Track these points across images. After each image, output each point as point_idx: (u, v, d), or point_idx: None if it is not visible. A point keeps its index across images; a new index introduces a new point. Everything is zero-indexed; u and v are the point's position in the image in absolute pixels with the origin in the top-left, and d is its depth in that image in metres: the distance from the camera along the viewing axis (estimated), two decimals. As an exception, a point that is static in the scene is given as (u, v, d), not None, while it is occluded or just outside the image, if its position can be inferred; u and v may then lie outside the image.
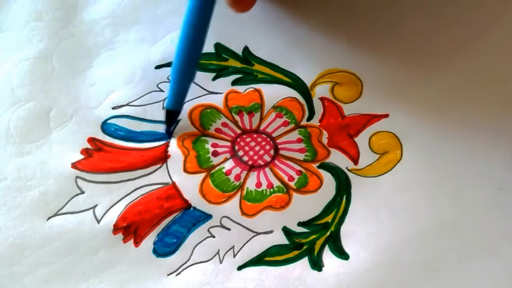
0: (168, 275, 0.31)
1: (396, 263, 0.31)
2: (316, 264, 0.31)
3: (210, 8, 0.30)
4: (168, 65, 0.33)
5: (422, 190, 0.32)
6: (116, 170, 0.32)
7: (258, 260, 0.31)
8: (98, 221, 0.31)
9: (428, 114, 0.33)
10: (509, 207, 0.32)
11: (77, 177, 0.31)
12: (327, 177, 0.33)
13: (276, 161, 0.33)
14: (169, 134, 0.32)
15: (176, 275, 0.31)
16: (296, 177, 0.32)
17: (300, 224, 0.32)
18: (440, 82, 0.34)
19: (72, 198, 0.31)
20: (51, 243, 0.31)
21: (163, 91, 0.33)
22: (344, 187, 0.32)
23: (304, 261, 0.31)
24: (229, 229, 0.31)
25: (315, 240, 0.31)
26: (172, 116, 0.32)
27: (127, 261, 0.31)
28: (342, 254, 0.31)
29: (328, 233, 0.32)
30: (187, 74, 0.31)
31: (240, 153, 0.33)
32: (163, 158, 0.32)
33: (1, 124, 0.32)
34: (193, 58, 0.31)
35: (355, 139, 0.33)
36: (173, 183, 0.32)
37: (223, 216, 0.32)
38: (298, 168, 0.33)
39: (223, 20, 0.34)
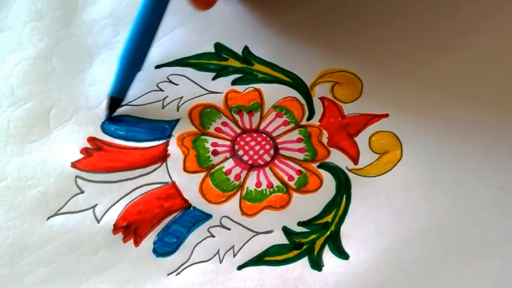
0: (168, 274, 0.31)
1: (396, 263, 0.31)
2: (316, 264, 0.31)
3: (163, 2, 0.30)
4: (167, 64, 0.34)
5: (422, 190, 0.32)
6: (116, 169, 0.32)
7: (258, 260, 0.31)
8: (98, 221, 0.31)
9: (428, 113, 0.33)
10: (509, 207, 0.32)
11: (76, 176, 0.31)
12: (327, 177, 0.32)
13: (276, 161, 0.33)
14: (109, 120, 0.33)
15: (176, 274, 0.31)
16: (296, 176, 0.32)
17: (300, 223, 0.32)
18: (440, 82, 0.34)
19: (72, 197, 0.31)
20: (51, 242, 0.31)
21: (163, 90, 0.33)
22: (344, 187, 0.32)
23: (304, 261, 0.31)
24: (229, 229, 0.31)
25: (315, 240, 0.31)
26: (114, 104, 0.32)
27: (127, 261, 0.31)
28: (342, 254, 0.31)
29: (328, 233, 0.32)
30: (135, 63, 0.31)
31: (240, 152, 0.33)
32: (162, 157, 0.32)
33: (1, 124, 0.32)
34: (142, 48, 0.31)
35: (355, 139, 0.33)
36: (173, 183, 0.32)
37: (223, 216, 0.32)
38: (298, 167, 0.33)
39: (223, 20, 0.34)
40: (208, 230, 0.31)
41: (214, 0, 0.31)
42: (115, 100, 0.32)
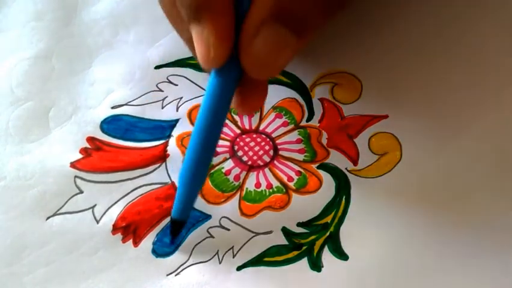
0: (167, 275, 0.30)
1: (396, 263, 0.31)
2: (316, 265, 0.31)
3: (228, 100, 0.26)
4: (167, 65, 0.34)
5: (422, 191, 0.32)
6: (115, 169, 0.32)
7: (257, 261, 0.31)
8: (97, 221, 0.31)
9: (428, 115, 0.33)
10: (509, 208, 0.32)
11: (76, 176, 0.31)
12: (326, 177, 0.32)
13: (275, 162, 0.33)
14: (174, 244, 0.31)
15: (176, 275, 0.31)
16: (295, 177, 0.32)
17: (299, 224, 0.32)
18: (440, 83, 0.34)
19: (71, 197, 0.31)
20: (50, 242, 0.31)
21: (162, 91, 0.33)
22: (343, 188, 0.32)
23: (304, 261, 0.31)
24: (228, 229, 0.31)
25: (314, 241, 0.31)
26: (178, 226, 0.30)
27: (126, 261, 0.31)
28: (342, 255, 0.31)
29: (327, 234, 0.32)
30: (197, 180, 0.27)
31: (240, 153, 0.33)
32: (162, 157, 0.32)
33: (0, 123, 0.32)
34: (204, 161, 0.27)
35: (354, 140, 0.33)
36: (173, 183, 0.32)
37: (223, 217, 0.31)
38: (298, 168, 0.33)
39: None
40: (207, 231, 0.31)
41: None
42: (178, 223, 0.30)
